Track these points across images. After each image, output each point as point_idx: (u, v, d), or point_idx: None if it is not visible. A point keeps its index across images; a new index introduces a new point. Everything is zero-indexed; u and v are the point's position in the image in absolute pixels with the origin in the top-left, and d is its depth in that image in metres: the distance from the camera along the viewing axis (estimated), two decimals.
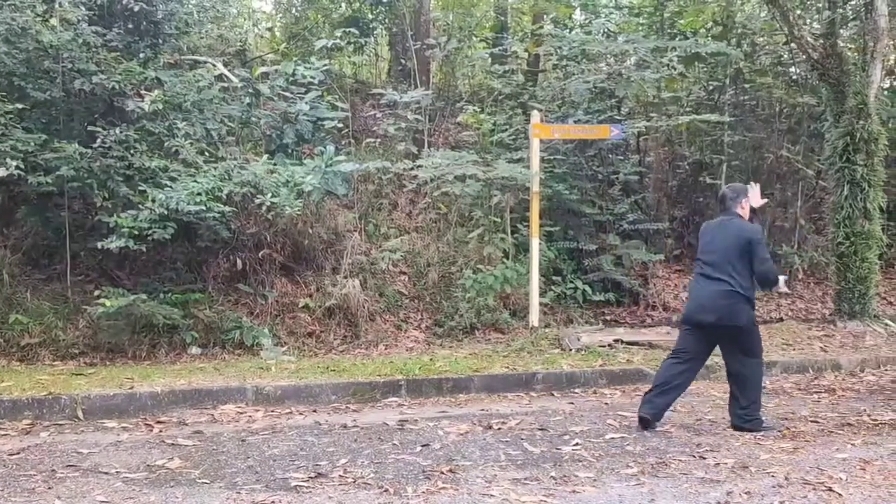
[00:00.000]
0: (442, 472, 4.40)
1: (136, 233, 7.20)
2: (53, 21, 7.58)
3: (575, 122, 10.17)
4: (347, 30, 11.06)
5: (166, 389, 6.09)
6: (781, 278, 5.56)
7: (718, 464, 4.60)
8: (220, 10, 9.44)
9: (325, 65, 9.65)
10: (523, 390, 6.84)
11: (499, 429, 5.46)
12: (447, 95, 12.38)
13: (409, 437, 5.23)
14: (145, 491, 4.15)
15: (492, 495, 4.03)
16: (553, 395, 6.78)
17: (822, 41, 9.34)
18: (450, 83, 12.81)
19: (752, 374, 5.47)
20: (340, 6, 12.95)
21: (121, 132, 7.48)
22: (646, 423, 5.44)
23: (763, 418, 5.51)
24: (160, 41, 8.56)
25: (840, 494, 4.03)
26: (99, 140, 7.40)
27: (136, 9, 7.99)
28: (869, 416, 5.86)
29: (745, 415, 5.43)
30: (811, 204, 12.09)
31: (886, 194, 9.71)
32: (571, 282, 9.70)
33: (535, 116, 8.79)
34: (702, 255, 5.62)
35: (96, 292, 7.38)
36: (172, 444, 5.09)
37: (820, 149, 10.62)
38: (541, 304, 8.74)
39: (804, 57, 9.80)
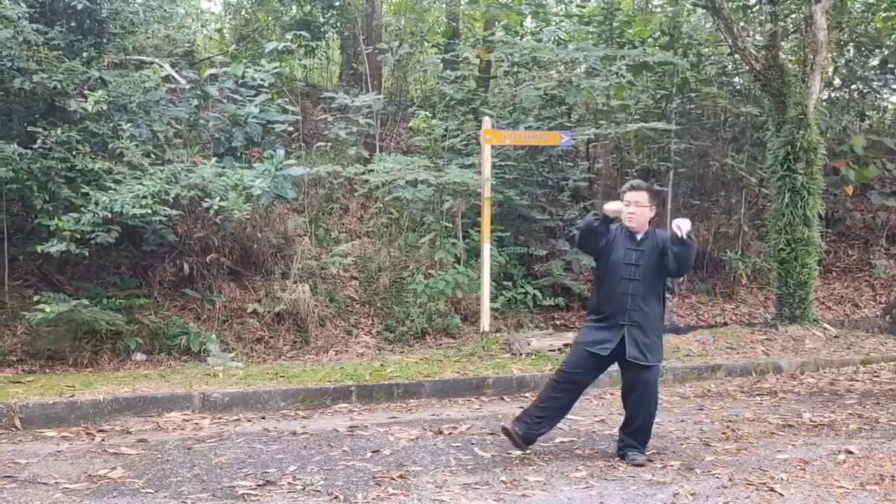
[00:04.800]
0: (392, 478, 4.38)
1: (77, 236, 7.02)
2: None
3: (526, 128, 10.27)
4: (298, 33, 10.96)
5: (109, 397, 5.93)
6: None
7: (665, 466, 4.68)
8: (167, 10, 9.22)
9: (275, 67, 9.54)
10: (474, 395, 6.86)
11: (449, 434, 5.46)
12: (399, 100, 12.38)
13: (360, 444, 5.20)
14: (86, 502, 4.03)
15: (442, 500, 4.02)
16: (504, 399, 6.81)
17: (764, 53, 9.61)
18: (401, 88, 12.81)
19: None
20: (291, 9, 12.84)
21: (62, 133, 7.27)
22: None
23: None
24: (104, 40, 8.37)
25: (781, 494, 4.14)
26: (39, 140, 7.19)
27: (80, 7, 7.80)
28: (809, 417, 6.04)
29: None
30: (754, 211, 12.43)
31: (824, 202, 10.03)
32: (522, 287, 9.78)
33: (487, 122, 8.84)
34: None
35: (36, 298, 7.16)
36: (115, 453, 4.96)
37: (762, 157, 10.91)
38: (491, 308, 8.79)
39: (747, 68, 10.07)
